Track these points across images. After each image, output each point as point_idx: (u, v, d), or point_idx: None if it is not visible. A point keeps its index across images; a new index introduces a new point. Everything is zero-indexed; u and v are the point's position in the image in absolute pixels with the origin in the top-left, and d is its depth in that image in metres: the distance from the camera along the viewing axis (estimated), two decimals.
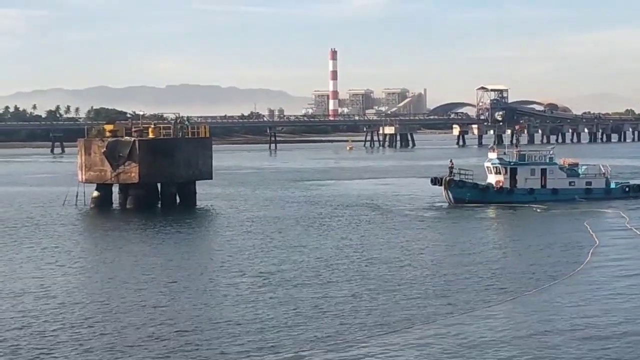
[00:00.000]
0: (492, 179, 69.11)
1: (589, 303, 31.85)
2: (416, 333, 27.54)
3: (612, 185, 71.01)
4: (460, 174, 69.40)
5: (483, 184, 69.01)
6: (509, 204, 65.54)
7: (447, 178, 68.14)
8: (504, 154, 70.71)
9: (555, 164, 70.12)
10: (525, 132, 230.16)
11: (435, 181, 69.52)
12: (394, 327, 28.16)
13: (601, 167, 73.00)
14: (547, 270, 38.31)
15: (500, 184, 67.93)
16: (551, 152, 72.14)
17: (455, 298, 32.49)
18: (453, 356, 25.00)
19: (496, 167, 68.83)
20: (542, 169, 68.78)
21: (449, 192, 67.49)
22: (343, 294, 33.53)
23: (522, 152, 71.10)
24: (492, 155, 70.69)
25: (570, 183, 69.23)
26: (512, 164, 68.66)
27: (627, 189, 71.23)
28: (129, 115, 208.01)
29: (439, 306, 31.31)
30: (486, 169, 70.33)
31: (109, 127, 72.60)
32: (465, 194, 66.87)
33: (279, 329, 28.12)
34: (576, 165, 71.95)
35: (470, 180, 68.73)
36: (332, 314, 30.20)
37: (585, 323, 28.65)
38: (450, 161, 72.19)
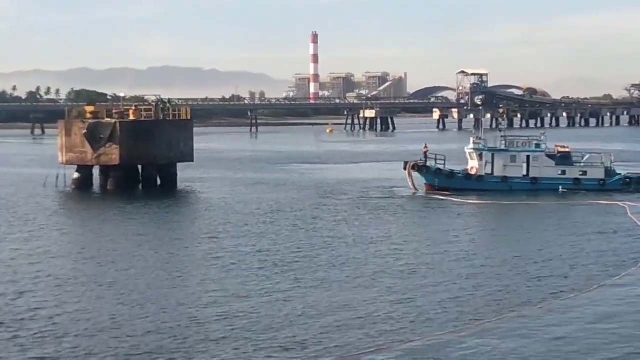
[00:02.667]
0: (471, 165, 65.97)
1: None
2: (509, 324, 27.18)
3: (620, 176, 65.04)
4: (435, 159, 66.43)
5: (447, 169, 65.71)
6: (479, 191, 62.14)
7: (412, 163, 65.50)
8: (479, 138, 66.55)
9: (542, 151, 65.22)
10: (505, 116, 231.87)
11: (406, 166, 65.88)
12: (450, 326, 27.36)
13: (602, 155, 67.48)
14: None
15: (474, 170, 65.22)
16: (541, 138, 66.68)
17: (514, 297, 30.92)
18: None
19: (470, 154, 65.91)
20: (525, 156, 64.57)
21: (423, 177, 65.19)
22: (311, 279, 34.23)
23: (508, 138, 66.61)
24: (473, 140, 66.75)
25: (561, 172, 64.26)
26: (487, 150, 65.06)
27: (628, 181, 64.65)
28: (109, 97, 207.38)
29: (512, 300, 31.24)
30: (468, 155, 66.88)
31: (89, 108, 72.99)
32: (434, 179, 64.50)
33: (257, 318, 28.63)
34: (568, 152, 66.25)
35: (435, 166, 65.60)
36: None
37: None
38: (425, 145, 69.58)
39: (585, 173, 64.72)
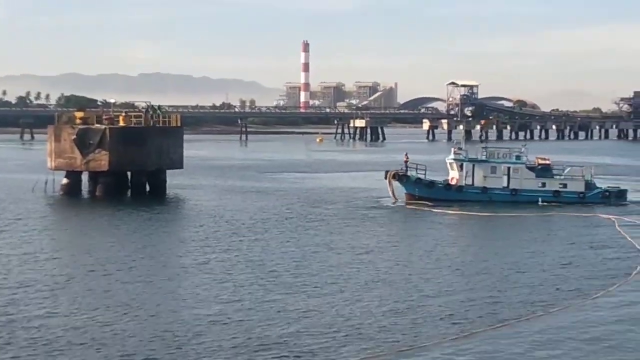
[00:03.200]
0: (452, 175, 66.32)
1: None
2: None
3: (599, 189, 65.58)
4: (416, 168, 66.49)
5: (427, 179, 66.01)
6: (459, 202, 62.49)
7: (392, 172, 65.83)
8: (460, 149, 66.48)
9: (522, 163, 65.56)
10: (494, 128, 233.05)
11: (386, 174, 65.95)
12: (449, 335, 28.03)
13: (583, 168, 67.96)
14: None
15: (454, 181, 65.51)
16: (522, 150, 67.15)
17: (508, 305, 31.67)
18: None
19: (451, 164, 66.35)
20: (506, 168, 64.85)
21: (403, 187, 65.38)
22: (300, 286, 34.32)
23: (489, 149, 67.85)
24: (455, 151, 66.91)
25: (541, 184, 64.70)
26: (467, 160, 65.33)
27: (607, 194, 65.12)
28: (99, 103, 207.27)
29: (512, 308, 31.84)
30: (448, 165, 67.18)
31: (79, 114, 72.88)
32: (414, 189, 64.77)
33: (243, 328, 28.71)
34: (548, 164, 66.76)
35: (415, 176, 65.73)
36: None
37: None
38: (406, 155, 69.60)
39: (565, 185, 65.20)
